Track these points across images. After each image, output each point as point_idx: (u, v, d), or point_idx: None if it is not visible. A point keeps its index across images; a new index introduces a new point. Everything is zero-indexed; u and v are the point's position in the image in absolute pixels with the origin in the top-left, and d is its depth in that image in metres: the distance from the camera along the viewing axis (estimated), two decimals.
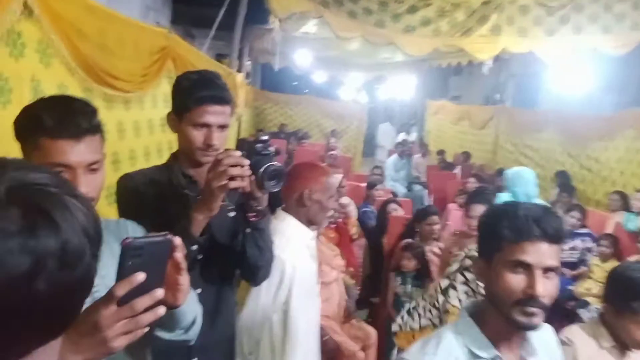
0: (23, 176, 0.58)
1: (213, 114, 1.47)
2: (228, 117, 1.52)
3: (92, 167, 1.12)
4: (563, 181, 6.52)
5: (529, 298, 1.08)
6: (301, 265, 1.90)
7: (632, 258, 4.24)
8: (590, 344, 1.76)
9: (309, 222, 2.00)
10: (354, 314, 3.48)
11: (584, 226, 4.95)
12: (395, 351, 3.40)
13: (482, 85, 12.06)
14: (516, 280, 1.10)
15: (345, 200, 5.26)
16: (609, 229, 4.96)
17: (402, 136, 12.40)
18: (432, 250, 4.01)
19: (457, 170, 8.79)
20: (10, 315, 0.54)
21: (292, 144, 9.70)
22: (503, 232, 1.12)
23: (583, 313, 4.15)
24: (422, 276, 3.69)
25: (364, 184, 6.09)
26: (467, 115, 10.62)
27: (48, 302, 0.55)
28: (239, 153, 1.35)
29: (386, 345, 3.24)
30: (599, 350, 1.74)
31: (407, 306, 3.54)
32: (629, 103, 7.67)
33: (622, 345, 1.72)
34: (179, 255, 0.87)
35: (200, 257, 1.46)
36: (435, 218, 4.05)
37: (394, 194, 7.40)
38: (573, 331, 1.83)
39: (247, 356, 1.85)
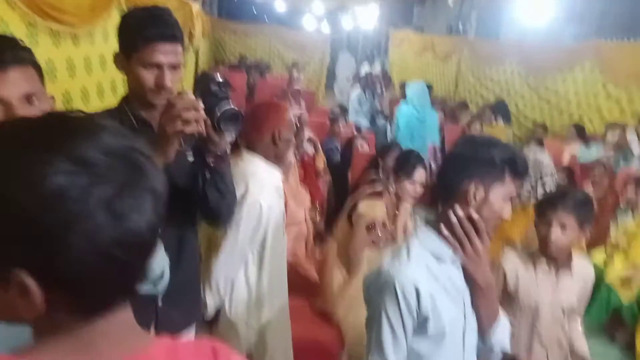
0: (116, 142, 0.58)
1: (164, 53, 1.37)
2: (180, 55, 1.42)
3: (30, 100, 1.09)
4: (502, 111, 6.65)
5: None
6: (274, 207, 1.91)
7: (585, 189, 4.44)
8: (522, 260, 1.93)
9: (277, 160, 2.00)
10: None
11: None
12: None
13: (445, 15, 11.88)
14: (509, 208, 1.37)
15: (311, 135, 5.23)
16: (565, 162, 5.14)
17: (365, 68, 12.25)
18: None
19: None
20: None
21: (253, 76, 9.44)
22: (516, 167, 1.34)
23: None
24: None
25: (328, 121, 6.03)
26: (431, 46, 10.52)
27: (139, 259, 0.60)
28: (192, 96, 1.30)
29: None
30: (532, 268, 1.91)
31: None
32: (590, 34, 7.73)
33: (555, 263, 1.91)
34: None
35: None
36: (396, 153, 4.09)
37: (358, 128, 7.42)
38: (506, 252, 1.98)
39: (222, 295, 1.89)
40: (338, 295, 2.60)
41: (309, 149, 4.45)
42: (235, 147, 2.35)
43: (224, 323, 1.94)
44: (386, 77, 10.90)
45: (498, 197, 1.33)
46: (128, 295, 0.63)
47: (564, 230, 1.88)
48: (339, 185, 4.74)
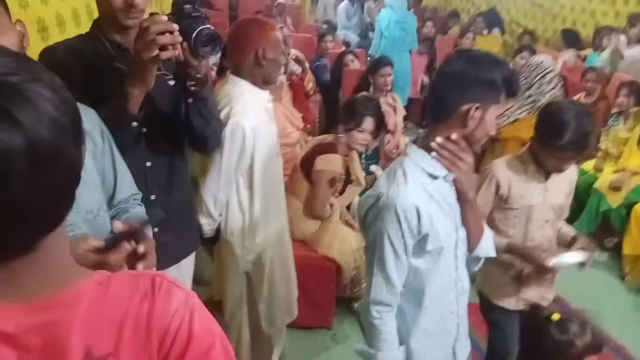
0: None
1: None
2: None
3: None
4: (494, 20, 6.44)
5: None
6: (261, 129, 1.87)
7: (577, 97, 4.41)
8: (513, 168, 1.95)
9: (264, 82, 1.93)
10: None
11: None
12: (355, 199, 3.59)
13: None
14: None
15: (298, 54, 5.08)
16: (558, 68, 5.05)
17: None
18: (387, 102, 4.04)
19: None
20: None
21: None
22: (511, 88, 1.34)
23: None
24: (377, 128, 3.74)
25: (316, 37, 5.83)
26: None
27: (32, 200, 0.53)
28: (165, 18, 1.23)
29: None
30: (524, 175, 1.94)
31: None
32: None
33: (545, 170, 1.93)
34: None
35: (144, 130, 1.41)
36: (388, 69, 4.00)
37: (347, 44, 7.20)
38: (497, 163, 2.00)
39: (216, 217, 1.91)
40: (314, 242, 2.71)
41: (296, 68, 4.33)
42: (221, 70, 2.27)
43: (222, 242, 1.99)
44: None
45: (492, 117, 1.35)
46: (49, 228, 0.58)
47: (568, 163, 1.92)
48: (330, 105, 4.69)
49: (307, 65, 4.50)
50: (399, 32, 5.59)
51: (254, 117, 1.85)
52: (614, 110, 4.04)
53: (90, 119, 1.20)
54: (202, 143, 1.49)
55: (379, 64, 4.09)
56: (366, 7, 8.91)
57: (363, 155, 3.72)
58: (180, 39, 1.24)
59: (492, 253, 1.54)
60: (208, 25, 1.31)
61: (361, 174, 3.00)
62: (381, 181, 1.44)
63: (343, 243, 2.71)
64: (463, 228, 1.46)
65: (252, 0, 8.38)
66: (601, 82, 4.34)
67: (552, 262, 1.84)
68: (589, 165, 3.96)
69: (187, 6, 1.32)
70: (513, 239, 1.94)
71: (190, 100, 1.39)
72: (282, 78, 3.61)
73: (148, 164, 1.45)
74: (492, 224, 1.96)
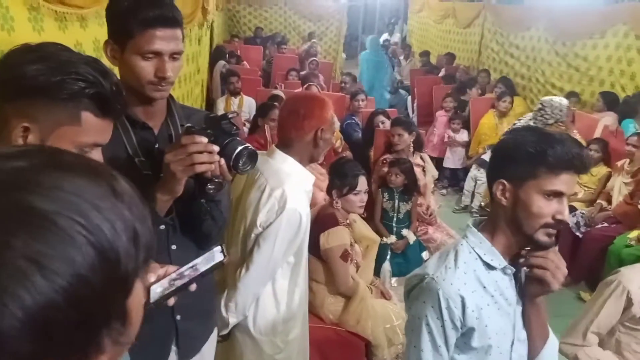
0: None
1: (164, 40, 1.20)
2: (180, 42, 1.26)
3: None
4: (508, 88, 6.35)
5: (557, 222, 1.19)
6: (308, 213, 1.78)
7: (620, 163, 4.22)
8: None
9: (310, 160, 1.85)
10: None
11: (572, 130, 4.87)
12: (385, 265, 3.44)
13: None
14: (549, 207, 1.18)
15: None
16: (598, 133, 4.90)
17: (384, 37, 11.92)
18: (415, 162, 3.94)
19: (442, 74, 8.52)
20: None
21: (270, 49, 9.25)
22: (547, 161, 1.17)
23: (569, 219, 4.18)
24: (408, 190, 3.63)
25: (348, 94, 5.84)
26: (452, 13, 10.11)
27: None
28: (205, 140, 1.17)
29: (377, 259, 3.24)
30: None
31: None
32: None
33: None
34: None
35: (172, 233, 1.35)
36: (397, 129, 3.94)
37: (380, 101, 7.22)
38: (629, 274, 1.77)
39: (245, 313, 1.76)
40: (342, 322, 2.53)
41: None
42: (254, 128, 2.15)
43: (244, 341, 1.82)
44: (406, 46, 10.59)
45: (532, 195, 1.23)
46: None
47: None
48: (361, 164, 4.60)
49: (334, 121, 4.47)
50: (376, 70, 7.75)
51: (306, 202, 1.76)
52: None
53: None
54: (205, 241, 1.38)
55: (393, 123, 4.08)
56: (397, 65, 9.01)
57: (394, 219, 3.61)
58: (217, 158, 1.19)
59: None
60: (247, 145, 1.24)
61: (370, 233, 2.86)
62: (431, 261, 1.34)
63: (375, 318, 2.51)
64: (524, 330, 1.30)
65: (285, 58, 8.59)
66: None
67: None
68: (633, 234, 3.73)
69: (225, 124, 1.24)
70: None
71: (203, 200, 1.31)
72: None
73: (173, 247, 1.36)
74: (616, 347, 1.76)
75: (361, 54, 8.37)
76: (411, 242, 3.51)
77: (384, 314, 2.59)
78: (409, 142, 4.00)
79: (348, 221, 2.66)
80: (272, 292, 1.79)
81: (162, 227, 1.30)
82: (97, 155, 0.99)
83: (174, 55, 1.25)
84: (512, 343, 1.29)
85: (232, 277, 1.75)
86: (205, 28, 6.38)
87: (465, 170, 5.75)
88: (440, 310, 1.22)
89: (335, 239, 2.43)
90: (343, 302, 2.49)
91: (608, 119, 4.98)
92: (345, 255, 2.43)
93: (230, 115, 1.26)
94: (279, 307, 1.80)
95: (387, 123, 4.66)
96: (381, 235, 3.49)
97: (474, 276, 1.25)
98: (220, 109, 5.71)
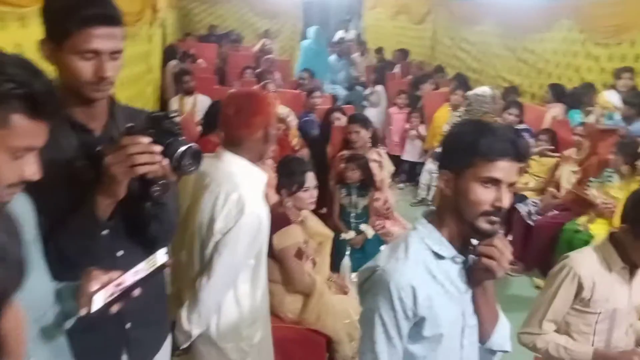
0: None
1: (103, 38, 1.16)
2: (121, 41, 1.21)
3: None
4: (461, 82, 6.45)
5: (495, 210, 1.20)
6: (266, 213, 1.75)
7: (568, 152, 4.38)
8: (597, 266, 1.76)
9: (260, 158, 1.82)
10: None
11: (521, 122, 5.02)
12: (345, 260, 3.44)
13: None
14: (487, 194, 1.20)
15: (284, 110, 5.04)
16: (546, 124, 5.06)
17: (340, 34, 11.95)
18: (372, 158, 3.96)
19: (397, 69, 8.62)
20: None
21: (225, 47, 9.13)
22: (480, 149, 1.18)
23: (520, 207, 4.31)
24: (365, 185, 3.65)
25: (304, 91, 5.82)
26: (405, 9, 10.26)
27: None
28: (147, 140, 1.13)
29: (336, 254, 3.24)
30: (608, 274, 1.75)
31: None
32: None
33: (632, 265, 1.74)
34: None
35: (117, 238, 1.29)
36: (354, 126, 3.96)
37: (335, 98, 7.23)
38: (578, 259, 1.80)
39: (208, 321, 1.71)
40: (302, 320, 2.50)
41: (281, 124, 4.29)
42: (207, 129, 2.12)
43: (207, 350, 1.76)
44: (361, 43, 10.66)
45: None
46: None
47: None
48: (319, 160, 4.60)
49: (289, 121, 4.46)
50: (316, 60, 8.07)
51: (263, 203, 1.73)
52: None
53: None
54: (152, 245, 1.34)
55: (350, 120, 4.09)
56: (353, 62, 9.06)
57: (352, 215, 3.62)
58: (159, 158, 1.15)
59: (508, 347, 1.37)
60: (191, 144, 1.20)
61: (323, 229, 2.86)
62: (382, 253, 1.34)
63: (334, 314, 2.51)
64: (474, 315, 1.32)
65: (240, 56, 8.49)
66: (592, 137, 4.31)
67: None
68: (581, 220, 3.87)
69: (167, 122, 1.20)
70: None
71: (149, 204, 1.26)
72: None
73: (119, 253, 1.31)
74: (566, 329, 1.79)
75: (302, 43, 8.62)
76: (369, 236, 3.53)
77: (343, 309, 2.59)
78: (366, 139, 4.02)
79: (300, 219, 2.64)
80: (234, 297, 1.74)
81: (106, 232, 1.24)
82: (32, 159, 0.94)
83: (114, 55, 1.20)
84: (463, 330, 1.30)
85: (191, 288, 1.70)
86: (156, 26, 6.24)
87: (424, 164, 5.84)
88: (392, 301, 1.22)
89: (288, 238, 2.41)
90: (301, 300, 2.48)
91: (556, 110, 5.16)
92: (300, 253, 2.42)
93: (171, 115, 1.22)
94: (242, 311, 1.76)
95: (344, 119, 4.68)
96: (340, 231, 3.50)
97: (424, 266, 1.25)
98: (174, 109, 5.59)
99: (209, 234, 1.66)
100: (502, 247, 1.22)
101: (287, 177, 2.62)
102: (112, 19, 1.18)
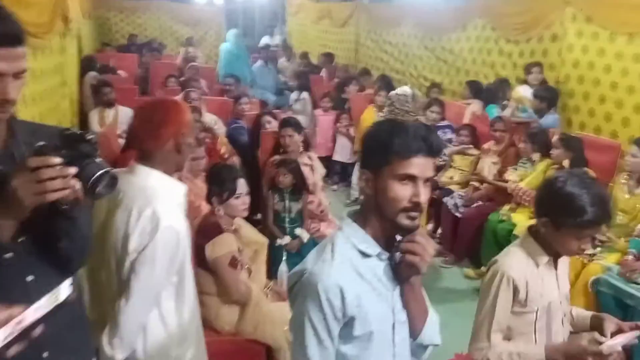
0: None
1: (6, 60, 1.08)
2: (24, 60, 1.13)
3: None
4: (384, 83, 6.61)
5: (414, 205, 1.23)
6: (185, 227, 1.67)
7: (487, 145, 4.60)
8: (525, 264, 1.77)
9: (177, 169, 1.76)
10: None
11: (443, 119, 5.22)
12: (282, 266, 3.42)
13: None
14: (405, 191, 1.22)
15: (210, 118, 4.96)
16: (466, 119, 5.29)
17: (265, 40, 11.93)
18: (304, 162, 3.98)
19: (324, 73, 8.71)
20: None
21: (146, 56, 8.86)
22: (394, 147, 1.21)
23: (447, 201, 4.47)
24: (298, 189, 3.66)
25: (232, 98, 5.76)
26: (328, 13, 10.40)
27: None
28: (58, 160, 1.05)
29: (272, 261, 3.22)
30: (537, 269, 1.77)
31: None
32: None
33: (554, 255, 1.78)
34: None
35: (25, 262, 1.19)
36: (288, 130, 3.98)
37: (264, 103, 7.20)
38: (506, 262, 1.79)
39: (132, 345, 1.63)
40: (240, 331, 2.47)
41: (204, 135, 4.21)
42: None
43: None
44: (287, 48, 10.69)
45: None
46: None
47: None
48: (250, 167, 4.56)
49: (216, 130, 4.39)
50: (235, 62, 8.12)
51: (181, 216, 1.65)
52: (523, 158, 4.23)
53: None
54: (65, 265, 1.26)
55: (282, 124, 4.09)
56: (280, 66, 9.07)
57: (287, 220, 3.62)
58: (73, 183, 1.08)
59: (437, 340, 1.40)
60: (108, 169, 1.14)
61: (257, 236, 2.85)
62: (310, 256, 1.33)
63: (273, 322, 2.48)
64: (404, 311, 1.34)
65: (163, 64, 8.27)
66: (508, 130, 4.55)
67: (607, 348, 1.62)
68: (503, 210, 4.07)
69: (85, 146, 1.13)
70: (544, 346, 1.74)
71: (60, 222, 1.18)
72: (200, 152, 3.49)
73: (29, 278, 1.21)
74: (508, 334, 1.78)
75: (221, 46, 8.64)
76: (305, 240, 3.53)
77: (282, 316, 2.56)
78: (299, 143, 4.03)
79: (233, 227, 2.61)
80: (159, 316, 1.67)
81: (9, 255, 1.14)
82: None
83: (18, 75, 1.12)
84: (393, 326, 1.32)
85: (111, 311, 1.61)
86: (70, 37, 5.95)
87: (355, 164, 5.93)
88: (321, 303, 1.22)
89: (221, 247, 2.36)
90: (238, 310, 2.44)
91: (474, 105, 5.40)
92: (234, 263, 2.38)
93: (88, 137, 1.15)
94: (168, 330, 1.69)
95: (275, 124, 4.66)
96: (275, 237, 3.48)
97: (351, 266, 1.26)
98: (94, 122, 5.36)
99: (124, 252, 1.58)
100: (424, 242, 1.24)
101: (217, 186, 2.58)
102: (15, 38, 1.10)
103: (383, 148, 1.24)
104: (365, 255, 1.28)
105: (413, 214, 1.24)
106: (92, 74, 6.52)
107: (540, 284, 1.75)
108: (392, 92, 4.13)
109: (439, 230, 4.71)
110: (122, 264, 1.59)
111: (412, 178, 1.22)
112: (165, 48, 10.23)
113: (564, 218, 1.66)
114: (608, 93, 4.59)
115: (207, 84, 7.10)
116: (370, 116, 5.84)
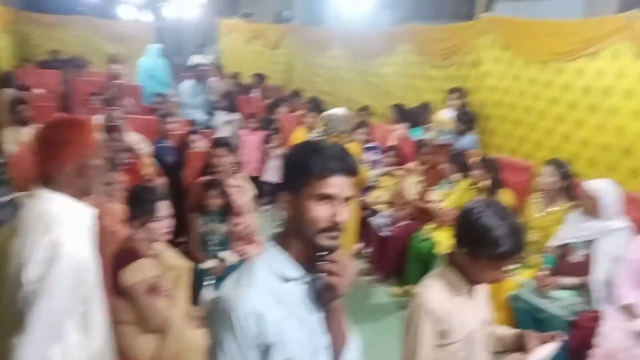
0: None
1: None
2: None
3: None
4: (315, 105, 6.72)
5: (333, 225, 1.24)
6: (91, 253, 1.58)
7: (411, 165, 4.74)
8: (446, 295, 1.75)
9: (84, 194, 1.65)
10: None
11: (371, 140, 5.34)
12: (206, 292, 3.33)
13: (271, 1, 11.89)
14: (323, 211, 1.23)
15: (134, 137, 4.80)
16: (392, 141, 5.44)
17: (196, 59, 11.77)
18: (232, 184, 3.93)
19: (255, 93, 8.70)
20: None
21: (69, 74, 8.48)
22: (312, 168, 1.23)
23: (374, 220, 4.55)
24: (225, 211, 3.60)
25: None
26: (261, 34, 10.44)
27: None
28: None
29: (197, 286, 3.13)
30: (456, 298, 1.76)
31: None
32: (404, 19, 8.32)
33: (473, 283, 1.78)
34: None
35: None
36: (222, 150, 3.92)
37: (194, 123, 7.06)
38: (425, 294, 1.77)
39: None
40: (160, 356, 2.36)
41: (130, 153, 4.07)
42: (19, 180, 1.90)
43: None
44: (218, 67, 10.59)
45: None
46: None
47: None
48: (176, 188, 4.43)
49: (140, 150, 4.25)
50: (152, 76, 8.37)
51: (88, 242, 1.56)
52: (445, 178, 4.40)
53: None
54: None
55: (214, 145, 4.02)
56: (211, 85, 8.95)
57: (213, 242, 3.53)
58: None
59: None
60: (12, 196, 1.06)
61: (179, 261, 2.77)
62: (227, 282, 1.30)
63: (196, 350, 2.37)
64: (326, 336, 1.31)
65: (86, 81, 7.94)
66: (432, 152, 4.72)
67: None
68: (426, 229, 4.20)
69: None
70: None
71: None
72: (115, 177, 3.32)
73: None
74: None
75: (138, 60, 8.74)
76: (231, 263, 3.46)
77: (205, 343, 2.49)
78: (230, 163, 3.97)
79: (153, 251, 2.51)
80: (62, 350, 1.55)
81: None
82: None
83: None
84: (315, 351, 1.30)
85: (11, 347, 1.49)
86: None
87: None
88: (236, 332, 1.18)
89: (137, 273, 2.27)
90: (155, 339, 2.34)
91: (400, 128, 5.57)
92: (153, 289, 2.29)
93: None
94: None
95: (201, 143, 4.58)
96: (200, 261, 3.39)
97: (270, 290, 1.24)
98: (9, 141, 5.04)
99: (19, 283, 1.47)
100: (344, 263, 1.25)
101: (137, 208, 2.49)
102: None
103: (301, 169, 1.24)
104: (285, 279, 1.26)
105: (333, 234, 1.25)
106: (10, 90, 6.18)
107: (461, 313, 1.74)
108: (326, 113, 4.19)
109: (344, 252, 4.76)
110: (20, 295, 1.48)
111: (330, 198, 1.23)
112: (89, 65, 9.85)
113: (481, 249, 1.66)
114: (522, 117, 4.86)
115: (132, 102, 6.89)
116: (300, 137, 5.88)
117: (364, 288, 4.33)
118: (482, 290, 1.87)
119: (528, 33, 4.80)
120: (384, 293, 4.33)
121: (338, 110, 4.24)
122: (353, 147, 4.07)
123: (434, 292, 1.74)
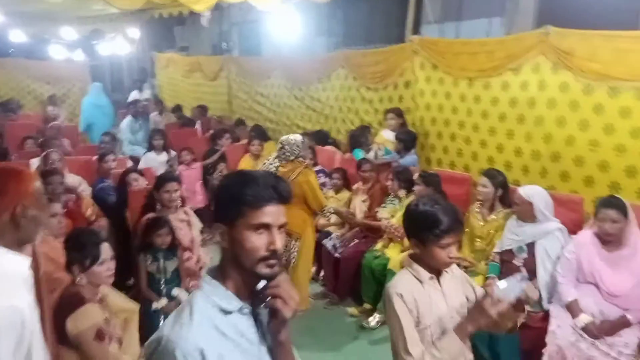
0: None
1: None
2: None
3: None
4: (258, 132, 6.82)
5: (271, 253, 1.25)
6: (30, 304, 1.50)
7: (356, 185, 4.83)
8: (412, 282, 1.88)
9: (20, 244, 1.59)
10: None
11: (316, 164, 5.41)
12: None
13: (207, 34, 11.91)
14: (261, 240, 1.24)
15: (73, 179, 4.67)
16: (337, 163, 5.54)
17: (134, 94, 11.59)
18: (179, 218, 3.88)
19: (198, 126, 8.65)
20: None
21: (1, 118, 8.16)
22: (246, 199, 1.23)
23: (326, 243, 4.59)
24: (173, 248, 3.54)
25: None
26: (198, 67, 10.42)
27: None
28: None
29: (148, 327, 3.04)
30: (422, 287, 1.86)
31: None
32: (338, 44, 8.55)
33: (436, 272, 1.89)
34: None
35: None
36: (173, 185, 3.88)
37: (135, 159, 6.91)
38: (395, 282, 1.90)
39: None
40: None
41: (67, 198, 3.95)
42: None
43: None
44: (158, 101, 10.47)
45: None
46: None
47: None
48: (119, 228, 4.32)
49: (81, 191, 4.14)
50: (98, 114, 8.64)
51: (25, 293, 1.47)
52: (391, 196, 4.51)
53: None
54: None
55: (163, 180, 3.96)
56: (152, 120, 8.83)
57: (162, 280, 3.45)
58: None
59: None
60: None
61: (126, 303, 2.71)
62: (167, 321, 1.27)
63: None
64: None
65: (19, 125, 7.66)
66: (374, 170, 4.84)
67: (497, 291, 1.70)
68: (377, 246, 4.28)
69: None
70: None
71: None
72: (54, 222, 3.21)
73: None
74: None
75: (83, 100, 8.98)
76: (184, 300, 3.39)
77: None
78: (178, 198, 3.92)
79: (98, 296, 2.44)
80: None
81: None
82: None
83: None
84: None
85: None
86: None
87: None
88: None
89: (84, 320, 2.19)
90: None
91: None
92: (101, 335, 2.22)
93: None
94: None
95: (142, 180, 4.50)
96: (151, 301, 3.31)
97: (211, 325, 1.22)
98: None
99: None
100: (287, 286, 1.25)
101: (77, 252, 2.42)
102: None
103: (235, 200, 1.25)
104: (226, 312, 1.25)
105: (271, 261, 1.25)
106: None
107: (428, 300, 1.85)
108: (283, 137, 4.23)
109: (322, 273, 4.81)
110: None
111: (266, 227, 1.24)
112: (22, 108, 9.50)
113: (425, 233, 1.82)
114: (457, 131, 5.08)
115: (69, 143, 6.70)
116: (246, 165, 5.90)
117: (320, 311, 4.34)
118: (452, 282, 1.94)
119: (454, 52, 5.05)
120: (341, 314, 4.34)
121: (296, 136, 4.30)
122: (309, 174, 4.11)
123: (401, 280, 1.89)
